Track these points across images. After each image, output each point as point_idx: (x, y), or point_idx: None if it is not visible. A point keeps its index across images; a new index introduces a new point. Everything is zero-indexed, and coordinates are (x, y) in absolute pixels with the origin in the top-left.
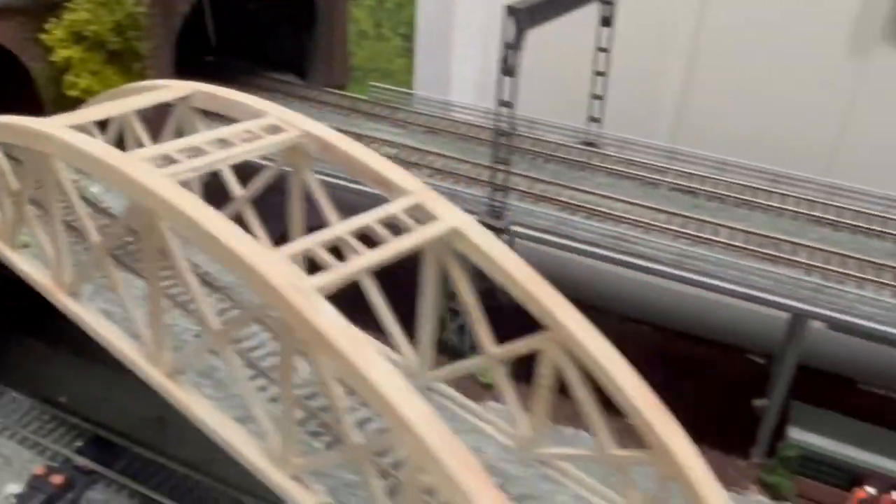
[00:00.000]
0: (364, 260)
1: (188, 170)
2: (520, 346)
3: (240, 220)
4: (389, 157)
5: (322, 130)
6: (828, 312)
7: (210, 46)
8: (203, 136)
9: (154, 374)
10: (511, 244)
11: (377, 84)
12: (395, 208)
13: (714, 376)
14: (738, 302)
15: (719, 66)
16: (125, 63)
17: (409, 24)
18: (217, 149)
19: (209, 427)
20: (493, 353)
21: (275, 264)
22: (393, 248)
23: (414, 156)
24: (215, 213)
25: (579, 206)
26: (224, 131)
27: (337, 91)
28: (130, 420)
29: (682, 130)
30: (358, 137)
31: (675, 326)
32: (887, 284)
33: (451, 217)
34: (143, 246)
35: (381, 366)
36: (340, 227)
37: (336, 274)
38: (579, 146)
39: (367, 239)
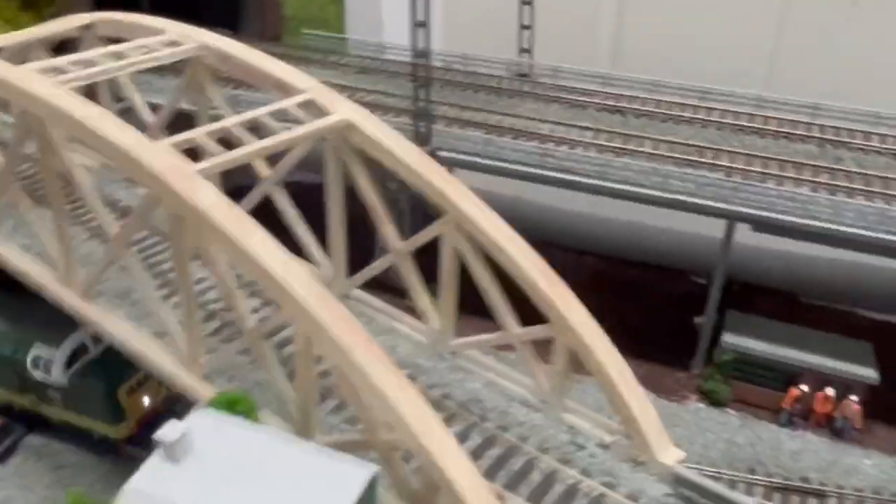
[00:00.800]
0: (250, 148)
1: (78, 78)
2: (421, 235)
3: None
4: None
5: (220, 42)
6: (746, 210)
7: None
8: (98, 50)
9: (67, 296)
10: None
11: (310, 31)
12: (287, 103)
13: (659, 298)
14: (681, 226)
15: None
16: (39, 10)
17: None
18: (111, 61)
19: (120, 340)
20: (398, 249)
21: (157, 153)
22: (281, 138)
23: (344, 93)
24: (100, 111)
25: (507, 129)
26: (120, 46)
27: (271, 42)
28: None
29: (621, 58)
30: None
31: (623, 255)
32: (805, 180)
33: (344, 111)
34: (42, 163)
35: (260, 239)
36: (230, 121)
37: (221, 159)
38: (511, 76)
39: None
